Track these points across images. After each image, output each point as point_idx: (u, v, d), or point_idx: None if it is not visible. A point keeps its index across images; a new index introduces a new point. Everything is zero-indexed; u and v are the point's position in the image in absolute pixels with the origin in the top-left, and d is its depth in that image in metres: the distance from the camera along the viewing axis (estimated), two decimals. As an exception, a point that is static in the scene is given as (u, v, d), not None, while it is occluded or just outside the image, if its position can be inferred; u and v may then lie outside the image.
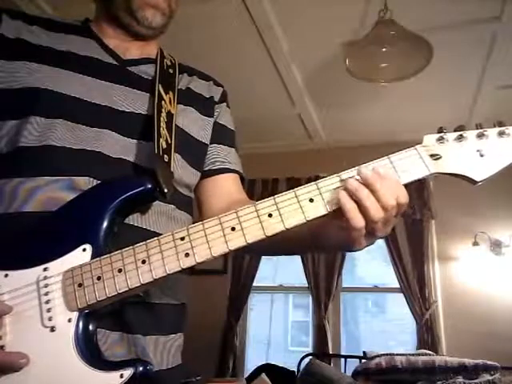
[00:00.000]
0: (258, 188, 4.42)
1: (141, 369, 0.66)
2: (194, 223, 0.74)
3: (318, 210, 0.70)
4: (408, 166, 0.72)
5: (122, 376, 0.65)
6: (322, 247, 0.85)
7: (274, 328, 4.61)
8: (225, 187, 1.03)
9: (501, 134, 0.72)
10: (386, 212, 0.69)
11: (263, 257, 4.25)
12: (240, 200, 1.00)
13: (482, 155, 0.71)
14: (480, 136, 0.72)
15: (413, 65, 2.59)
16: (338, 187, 0.71)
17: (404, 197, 0.70)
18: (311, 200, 0.71)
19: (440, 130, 0.74)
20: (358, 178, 0.70)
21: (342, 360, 3.81)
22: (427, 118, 3.47)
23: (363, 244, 0.72)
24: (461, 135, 0.73)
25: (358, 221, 0.68)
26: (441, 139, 0.73)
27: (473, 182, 0.71)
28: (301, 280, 4.23)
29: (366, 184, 0.69)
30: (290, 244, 0.84)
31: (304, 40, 2.97)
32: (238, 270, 4.29)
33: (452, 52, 2.94)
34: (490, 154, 0.71)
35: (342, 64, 2.64)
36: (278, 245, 0.82)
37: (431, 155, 0.72)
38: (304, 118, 4.04)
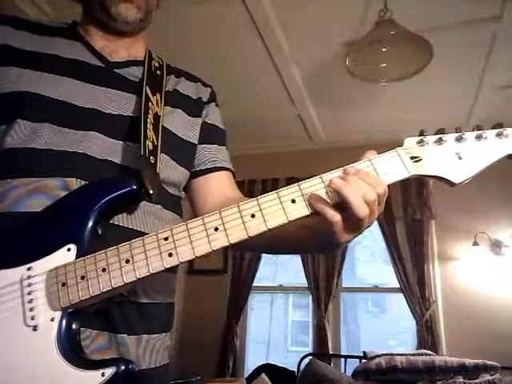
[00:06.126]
0: (258, 188, 4.41)
1: (123, 368, 0.67)
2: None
3: (300, 210, 0.71)
4: (389, 168, 0.73)
5: (103, 375, 0.66)
6: (317, 243, 0.83)
7: (274, 328, 4.61)
8: (218, 185, 1.03)
9: (478, 137, 0.73)
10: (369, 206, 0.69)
11: (263, 257, 4.25)
12: (234, 197, 1.00)
13: (460, 158, 0.73)
14: (459, 139, 0.74)
15: (413, 65, 2.59)
16: (320, 188, 0.71)
17: (382, 187, 0.71)
18: (293, 201, 0.71)
19: (421, 133, 0.75)
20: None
21: (342, 360, 3.81)
22: (427, 118, 3.46)
23: (349, 237, 0.73)
24: (440, 138, 0.74)
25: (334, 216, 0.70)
26: (421, 142, 0.74)
27: (451, 184, 0.72)
28: (301, 280, 4.23)
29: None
30: (286, 240, 0.83)
31: (304, 40, 2.97)
32: (238, 270, 4.29)
33: (452, 52, 2.94)
34: (468, 157, 0.73)
35: (342, 64, 2.64)
36: (273, 241, 0.82)
37: (411, 157, 0.73)
38: (304, 118, 4.04)
